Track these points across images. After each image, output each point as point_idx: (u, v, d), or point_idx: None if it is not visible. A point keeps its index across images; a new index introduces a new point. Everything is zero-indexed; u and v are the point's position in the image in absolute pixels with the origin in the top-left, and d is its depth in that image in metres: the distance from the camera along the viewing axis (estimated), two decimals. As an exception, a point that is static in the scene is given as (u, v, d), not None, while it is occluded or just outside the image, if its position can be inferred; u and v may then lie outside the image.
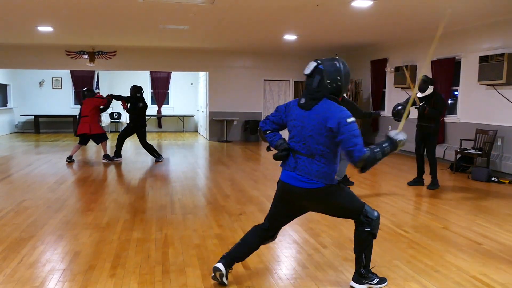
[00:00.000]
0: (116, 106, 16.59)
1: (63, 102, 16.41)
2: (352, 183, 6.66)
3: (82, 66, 13.14)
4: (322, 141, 2.73)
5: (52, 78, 16.25)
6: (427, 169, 6.77)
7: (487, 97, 8.08)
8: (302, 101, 2.82)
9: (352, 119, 2.68)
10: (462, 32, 8.75)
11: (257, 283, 3.17)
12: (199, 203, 5.68)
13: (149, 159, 9.28)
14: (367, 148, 2.69)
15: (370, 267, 3.08)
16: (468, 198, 6.06)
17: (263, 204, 5.48)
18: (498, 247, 4.02)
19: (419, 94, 6.57)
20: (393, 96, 11.05)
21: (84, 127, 8.69)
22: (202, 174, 8.01)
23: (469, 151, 7.87)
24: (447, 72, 9.10)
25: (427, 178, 6.78)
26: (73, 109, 16.44)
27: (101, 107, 8.94)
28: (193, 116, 17.33)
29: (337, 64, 2.78)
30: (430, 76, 6.75)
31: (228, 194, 6.08)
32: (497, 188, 6.80)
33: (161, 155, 9.23)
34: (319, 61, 2.78)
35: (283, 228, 3.19)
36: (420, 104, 6.47)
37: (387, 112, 11.50)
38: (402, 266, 3.53)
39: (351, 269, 3.43)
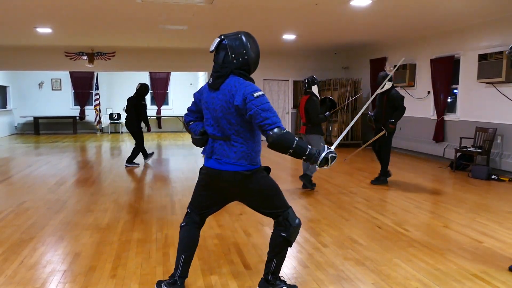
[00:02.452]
0: (116, 107, 16.65)
1: (62, 103, 16.40)
2: (313, 186, 6.39)
3: (81, 67, 13.13)
4: (233, 121, 2.60)
5: (52, 79, 16.24)
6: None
7: (486, 95, 8.08)
8: (210, 81, 2.69)
9: (260, 93, 2.53)
10: (461, 30, 8.75)
11: (257, 283, 3.17)
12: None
13: (148, 160, 9.24)
14: (286, 130, 2.54)
15: (281, 277, 2.97)
16: (468, 197, 6.06)
17: (264, 203, 5.47)
18: (499, 245, 4.02)
19: (380, 90, 6.57)
20: (393, 94, 11.04)
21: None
22: (202, 174, 7.99)
23: (469, 149, 7.88)
24: (446, 70, 9.10)
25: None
26: (73, 110, 16.45)
27: None
28: (193, 116, 17.32)
29: (242, 38, 2.62)
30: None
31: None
32: (497, 186, 6.80)
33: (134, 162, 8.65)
34: (222, 36, 2.64)
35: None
36: (384, 133, 6.56)
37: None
38: (403, 264, 3.53)
39: (352, 268, 3.43)
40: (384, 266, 3.49)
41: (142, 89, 8.36)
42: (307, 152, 2.55)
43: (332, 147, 2.72)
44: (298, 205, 5.49)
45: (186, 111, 3.01)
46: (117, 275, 3.32)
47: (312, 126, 6.19)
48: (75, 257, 3.68)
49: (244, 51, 2.61)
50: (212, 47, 2.66)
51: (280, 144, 2.50)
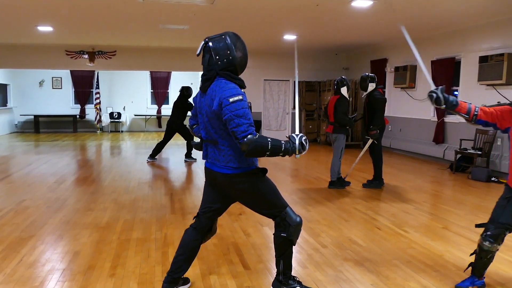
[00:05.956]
0: (116, 106, 16.65)
1: (63, 102, 16.40)
2: (348, 183, 6.62)
3: (82, 66, 13.13)
4: (216, 125, 2.61)
5: (52, 78, 16.24)
6: (385, 170, 6.73)
7: (487, 97, 8.07)
8: (200, 84, 2.71)
9: (237, 97, 2.46)
10: (461, 32, 8.75)
11: (256, 283, 3.18)
12: (199, 202, 5.64)
13: (146, 158, 9.23)
14: (258, 134, 2.51)
15: (295, 277, 2.99)
16: (468, 198, 6.06)
17: (263, 204, 5.47)
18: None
19: (364, 94, 6.55)
20: (393, 96, 11.05)
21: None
22: (201, 174, 8.01)
23: (469, 151, 7.87)
24: (447, 72, 9.10)
25: (387, 179, 6.77)
26: (73, 109, 16.45)
27: None
28: (193, 116, 17.32)
29: (226, 39, 2.60)
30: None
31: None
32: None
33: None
34: (207, 39, 2.62)
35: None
36: (371, 141, 6.41)
37: (386, 112, 11.48)
38: (402, 266, 3.53)
39: (351, 269, 3.44)
40: (383, 267, 3.49)
41: (183, 91, 9.03)
42: (283, 148, 2.55)
43: (297, 131, 2.76)
44: (297, 206, 5.49)
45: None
46: (116, 274, 3.32)
47: (338, 125, 6.39)
48: (74, 256, 3.68)
49: (229, 52, 2.59)
50: (198, 51, 2.67)
51: (256, 151, 2.48)
